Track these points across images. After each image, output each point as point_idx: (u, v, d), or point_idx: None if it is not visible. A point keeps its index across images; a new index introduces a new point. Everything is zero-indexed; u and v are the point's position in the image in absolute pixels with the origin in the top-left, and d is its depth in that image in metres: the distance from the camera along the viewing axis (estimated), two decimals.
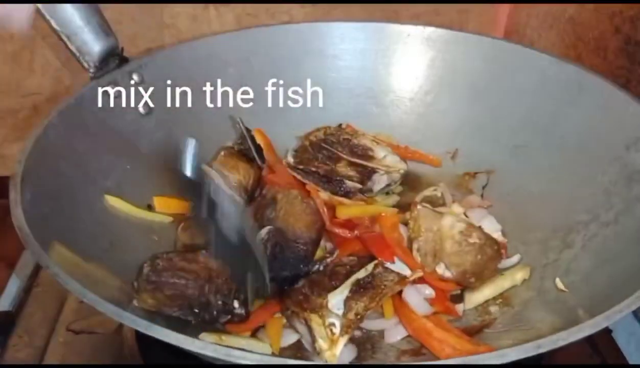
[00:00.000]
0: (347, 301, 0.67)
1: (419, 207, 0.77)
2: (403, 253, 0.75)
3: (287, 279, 0.70)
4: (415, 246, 0.76)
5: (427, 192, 0.86)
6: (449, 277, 0.75)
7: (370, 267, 0.72)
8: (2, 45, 1.14)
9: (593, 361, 0.77)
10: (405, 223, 0.80)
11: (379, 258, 0.74)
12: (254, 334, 0.70)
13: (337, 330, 0.65)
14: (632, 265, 0.64)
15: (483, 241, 0.75)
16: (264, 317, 0.70)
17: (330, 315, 0.66)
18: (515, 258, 0.80)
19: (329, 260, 0.73)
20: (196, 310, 0.66)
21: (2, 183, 1.29)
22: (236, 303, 0.67)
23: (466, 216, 0.80)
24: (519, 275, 0.77)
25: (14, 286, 0.98)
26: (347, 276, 0.70)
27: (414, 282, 0.74)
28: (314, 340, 0.66)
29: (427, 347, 0.69)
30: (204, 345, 0.50)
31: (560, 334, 0.50)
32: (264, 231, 0.72)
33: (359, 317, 0.67)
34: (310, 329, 0.67)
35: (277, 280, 0.71)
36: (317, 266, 0.72)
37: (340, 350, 0.65)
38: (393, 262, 0.74)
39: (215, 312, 0.67)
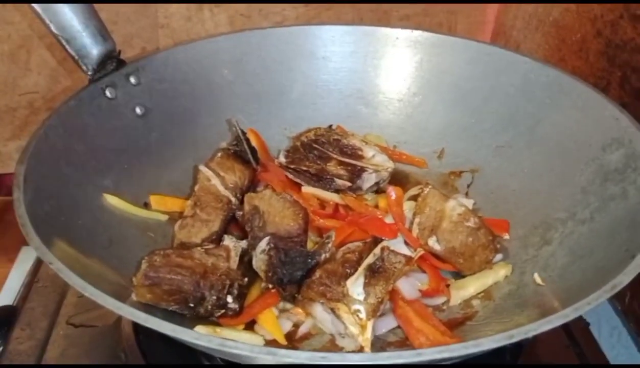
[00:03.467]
0: (365, 287, 0.71)
1: (429, 187, 0.82)
2: (402, 228, 0.81)
3: (302, 277, 0.73)
4: (416, 220, 0.81)
5: (414, 191, 0.89)
6: (437, 250, 0.79)
7: (377, 251, 0.75)
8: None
9: (570, 353, 0.81)
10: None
11: (383, 239, 0.78)
12: (247, 327, 0.73)
13: (363, 315, 0.69)
14: (603, 261, 0.67)
15: (477, 226, 0.79)
16: (256, 310, 0.73)
17: (354, 302, 0.70)
18: (498, 257, 0.82)
19: (329, 245, 0.76)
20: (191, 305, 0.69)
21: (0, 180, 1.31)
22: (230, 298, 0.70)
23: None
24: (502, 272, 0.80)
25: (14, 281, 1.01)
26: (359, 262, 0.73)
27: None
28: (345, 327, 0.70)
29: (406, 333, 0.72)
30: (198, 336, 0.53)
31: (531, 325, 0.53)
32: (263, 243, 0.74)
33: (380, 300, 0.70)
34: (339, 317, 0.70)
35: (293, 281, 0.73)
36: (323, 255, 0.75)
37: (371, 333, 0.69)
38: (396, 237, 0.80)
39: (209, 307, 0.69)
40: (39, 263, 0.94)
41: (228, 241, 0.77)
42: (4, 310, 0.85)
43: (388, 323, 0.75)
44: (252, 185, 0.88)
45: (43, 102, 1.20)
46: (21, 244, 1.16)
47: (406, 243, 0.81)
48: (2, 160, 1.25)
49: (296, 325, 0.75)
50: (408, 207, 0.85)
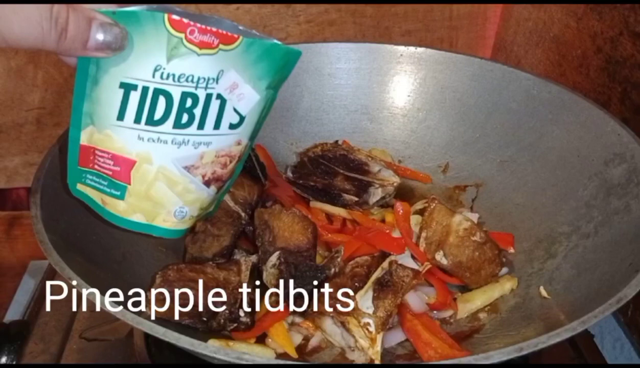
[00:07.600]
0: (374, 300, 0.72)
1: (436, 202, 0.83)
2: (410, 243, 0.83)
3: (312, 290, 0.74)
4: (423, 234, 0.82)
5: (419, 205, 0.90)
6: (444, 264, 0.80)
7: (385, 265, 0.76)
8: (7, 61, 1.16)
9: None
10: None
11: (391, 254, 0.79)
12: (257, 341, 0.74)
13: (372, 328, 0.70)
14: (608, 274, 0.68)
15: (484, 241, 0.80)
16: (267, 324, 0.74)
17: (364, 316, 0.71)
18: (504, 270, 0.84)
19: (338, 259, 0.78)
20: (204, 319, 0.70)
21: (4, 195, 1.32)
22: (242, 312, 0.71)
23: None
24: (508, 285, 0.81)
25: (22, 295, 1.02)
26: (367, 276, 0.75)
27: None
28: (355, 340, 0.71)
29: (414, 346, 0.73)
30: (216, 349, 0.54)
31: (540, 338, 0.54)
32: (273, 257, 0.76)
33: (389, 313, 0.72)
34: (349, 331, 0.71)
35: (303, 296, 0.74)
36: (332, 269, 0.76)
37: (381, 345, 0.70)
38: (403, 252, 0.81)
39: (222, 320, 0.70)
40: (49, 278, 0.95)
41: (238, 256, 0.79)
42: (17, 324, 0.86)
43: (396, 336, 0.76)
44: (260, 201, 0.89)
45: (50, 118, 1.22)
46: (29, 258, 1.17)
47: (413, 257, 0.82)
48: (9, 175, 1.26)
49: (306, 339, 0.76)
50: (414, 221, 0.87)
